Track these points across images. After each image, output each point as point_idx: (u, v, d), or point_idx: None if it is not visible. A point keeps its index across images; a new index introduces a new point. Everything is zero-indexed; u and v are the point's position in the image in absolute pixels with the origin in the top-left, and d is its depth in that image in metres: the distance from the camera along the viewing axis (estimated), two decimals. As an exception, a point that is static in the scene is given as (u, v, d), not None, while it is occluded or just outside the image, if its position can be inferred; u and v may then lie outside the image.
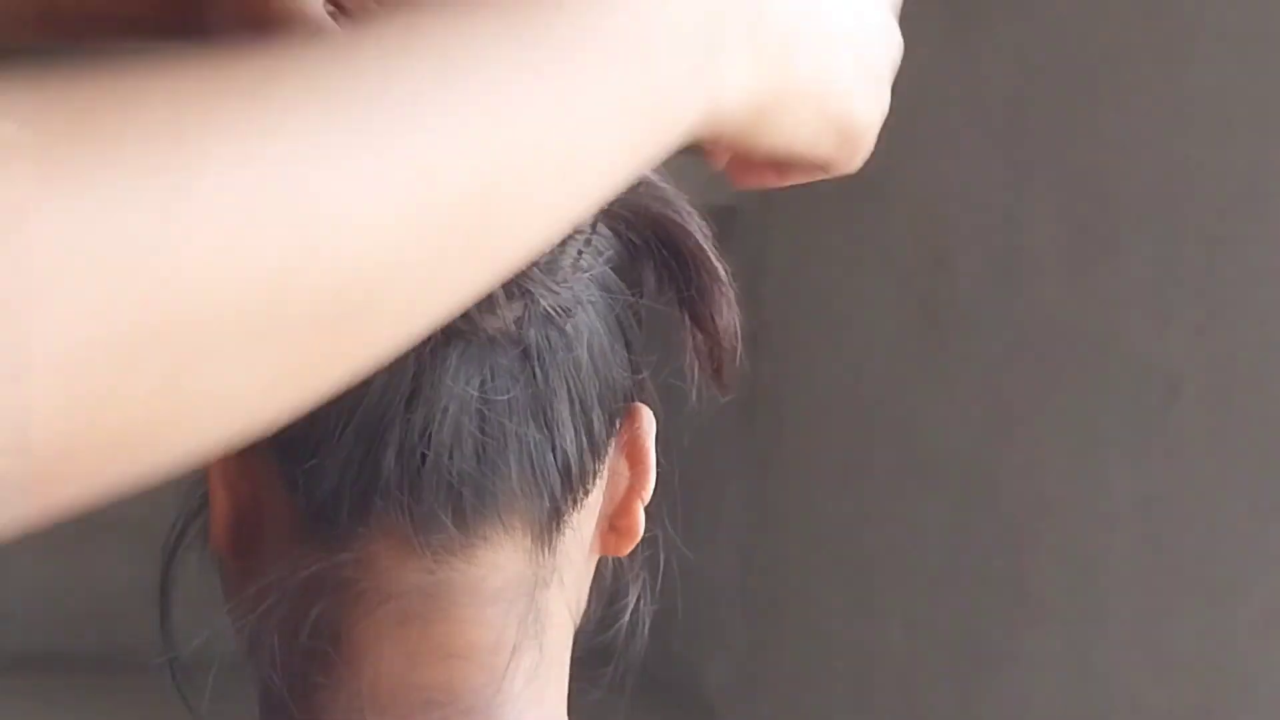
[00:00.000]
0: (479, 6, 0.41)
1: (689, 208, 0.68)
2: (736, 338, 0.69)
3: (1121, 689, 1.30)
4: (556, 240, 0.47)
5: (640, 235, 0.67)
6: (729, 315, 0.69)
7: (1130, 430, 1.32)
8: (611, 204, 0.64)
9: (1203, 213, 1.26)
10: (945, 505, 1.53)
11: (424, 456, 0.60)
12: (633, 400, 0.68)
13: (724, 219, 0.70)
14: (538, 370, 0.61)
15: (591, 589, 0.70)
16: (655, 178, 0.68)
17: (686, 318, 0.68)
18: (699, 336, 0.69)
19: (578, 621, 0.69)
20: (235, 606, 0.65)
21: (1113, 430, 1.34)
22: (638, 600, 0.72)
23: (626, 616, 0.72)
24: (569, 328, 0.62)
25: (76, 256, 0.32)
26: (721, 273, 0.68)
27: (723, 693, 1.89)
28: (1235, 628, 1.20)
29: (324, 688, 0.62)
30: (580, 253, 0.63)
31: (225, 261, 0.33)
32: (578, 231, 0.63)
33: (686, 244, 0.68)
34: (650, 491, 0.69)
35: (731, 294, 0.68)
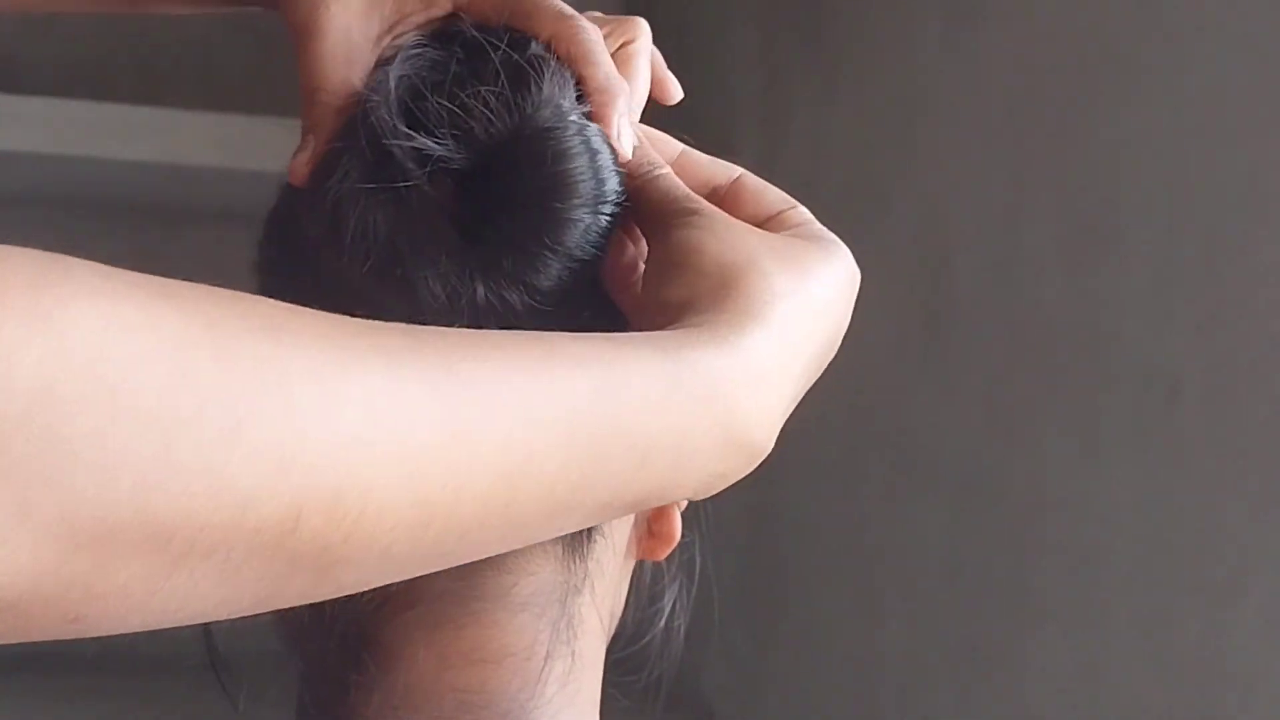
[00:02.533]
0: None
1: None
2: None
3: (1121, 689, 1.30)
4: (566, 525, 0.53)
5: None
6: None
7: (1130, 430, 1.31)
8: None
9: (1203, 213, 1.25)
10: (945, 505, 1.53)
11: None
12: None
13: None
14: None
15: (630, 593, 0.70)
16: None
17: None
18: None
19: (613, 627, 0.69)
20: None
21: (1113, 430, 1.33)
22: (673, 604, 0.72)
23: (662, 621, 0.72)
24: None
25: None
26: None
27: (723, 693, 1.89)
28: (1235, 628, 1.20)
29: (359, 687, 0.62)
30: None
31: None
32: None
33: None
34: None
35: None
